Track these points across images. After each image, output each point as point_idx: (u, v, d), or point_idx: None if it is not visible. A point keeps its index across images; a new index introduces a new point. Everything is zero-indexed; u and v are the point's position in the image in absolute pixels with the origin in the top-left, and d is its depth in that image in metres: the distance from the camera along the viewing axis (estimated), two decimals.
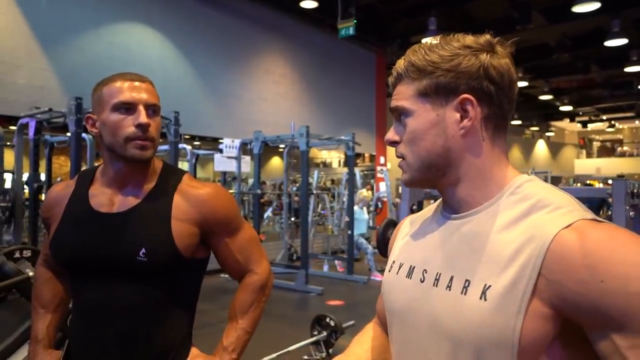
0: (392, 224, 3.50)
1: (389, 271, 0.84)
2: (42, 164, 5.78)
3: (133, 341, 1.07)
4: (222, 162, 7.08)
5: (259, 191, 7.36)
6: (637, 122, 23.75)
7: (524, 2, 8.20)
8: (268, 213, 11.47)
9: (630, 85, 14.36)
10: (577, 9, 7.14)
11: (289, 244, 8.31)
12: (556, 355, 0.63)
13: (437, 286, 0.71)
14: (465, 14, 9.44)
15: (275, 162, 16.83)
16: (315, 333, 3.60)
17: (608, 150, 27.31)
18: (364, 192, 8.21)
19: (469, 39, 0.72)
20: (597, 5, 7.00)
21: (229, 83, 8.85)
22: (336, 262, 7.98)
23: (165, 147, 5.19)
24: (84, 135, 4.97)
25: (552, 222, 0.63)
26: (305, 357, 3.60)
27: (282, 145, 8.30)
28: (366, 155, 12.60)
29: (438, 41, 0.74)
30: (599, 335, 0.59)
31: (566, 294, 0.60)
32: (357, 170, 9.58)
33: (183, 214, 1.11)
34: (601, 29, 9.17)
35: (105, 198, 1.13)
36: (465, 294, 0.67)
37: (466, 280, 0.67)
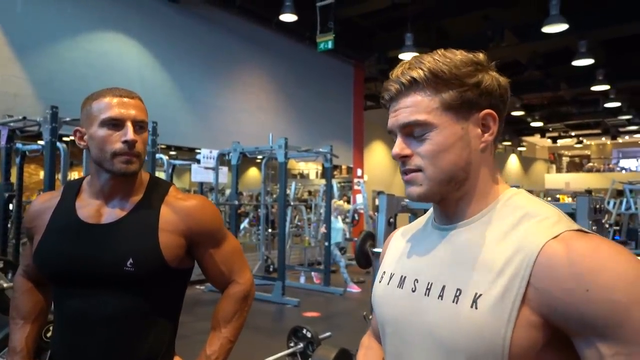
0: (370, 237, 3.56)
1: (380, 282, 0.84)
2: (13, 173, 5.65)
3: (117, 350, 1.08)
4: (200, 173, 7.04)
5: (236, 202, 7.34)
6: (603, 138, 24.62)
7: (498, 20, 8.50)
8: (245, 224, 11.39)
9: (597, 103, 14.90)
10: (547, 29, 7.42)
11: (266, 255, 8.28)
12: None
13: (428, 295, 0.72)
14: (441, 31, 9.70)
15: (253, 173, 16.74)
16: (292, 344, 3.61)
17: (577, 165, 28.23)
18: (338, 201, 8.29)
19: (473, 55, 0.74)
20: (565, 26, 7.29)
21: (207, 94, 8.82)
22: (313, 273, 7.99)
23: None
24: (58, 144, 4.88)
25: (539, 233, 0.65)
26: None
27: (260, 157, 8.30)
28: (343, 167, 12.68)
29: (441, 54, 0.73)
30: (585, 343, 0.60)
31: (553, 302, 0.61)
32: (334, 182, 9.64)
33: (170, 226, 1.13)
34: (569, 49, 9.55)
35: (92, 209, 1.14)
36: (456, 302, 0.67)
37: (457, 289, 0.68)
